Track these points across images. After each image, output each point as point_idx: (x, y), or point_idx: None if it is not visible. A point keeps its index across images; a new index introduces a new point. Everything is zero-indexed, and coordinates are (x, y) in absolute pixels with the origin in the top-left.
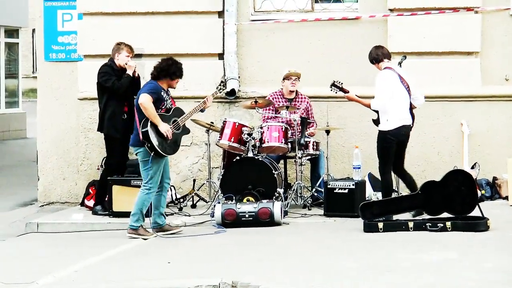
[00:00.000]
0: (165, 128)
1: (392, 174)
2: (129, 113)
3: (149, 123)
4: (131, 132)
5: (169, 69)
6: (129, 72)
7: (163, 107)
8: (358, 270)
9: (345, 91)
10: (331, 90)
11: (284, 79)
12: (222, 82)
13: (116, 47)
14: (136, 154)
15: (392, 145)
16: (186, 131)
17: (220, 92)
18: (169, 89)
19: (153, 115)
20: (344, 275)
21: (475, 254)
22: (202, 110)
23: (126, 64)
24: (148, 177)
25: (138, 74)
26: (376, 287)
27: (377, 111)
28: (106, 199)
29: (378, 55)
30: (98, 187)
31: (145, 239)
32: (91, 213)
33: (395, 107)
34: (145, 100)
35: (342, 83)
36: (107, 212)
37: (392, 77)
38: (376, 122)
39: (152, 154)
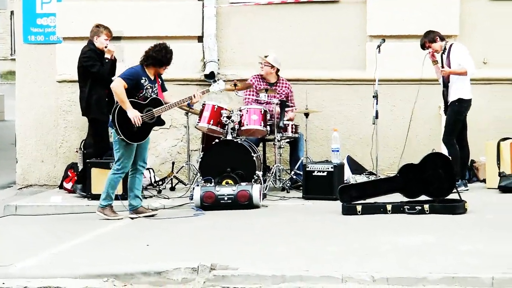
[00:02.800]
0: (133, 114)
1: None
2: (109, 96)
3: (117, 108)
4: None
5: (156, 57)
6: (108, 56)
7: (141, 95)
8: (337, 254)
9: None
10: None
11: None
12: (214, 80)
13: (95, 29)
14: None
15: (464, 115)
16: (160, 122)
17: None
18: (159, 75)
19: (122, 100)
20: (323, 258)
21: (452, 237)
22: (189, 105)
23: (105, 48)
24: (116, 158)
25: (115, 57)
26: (355, 270)
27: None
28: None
29: (440, 35)
30: (82, 169)
31: (109, 219)
32: (70, 194)
33: (469, 79)
34: (115, 85)
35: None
36: (85, 194)
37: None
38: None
39: (118, 137)
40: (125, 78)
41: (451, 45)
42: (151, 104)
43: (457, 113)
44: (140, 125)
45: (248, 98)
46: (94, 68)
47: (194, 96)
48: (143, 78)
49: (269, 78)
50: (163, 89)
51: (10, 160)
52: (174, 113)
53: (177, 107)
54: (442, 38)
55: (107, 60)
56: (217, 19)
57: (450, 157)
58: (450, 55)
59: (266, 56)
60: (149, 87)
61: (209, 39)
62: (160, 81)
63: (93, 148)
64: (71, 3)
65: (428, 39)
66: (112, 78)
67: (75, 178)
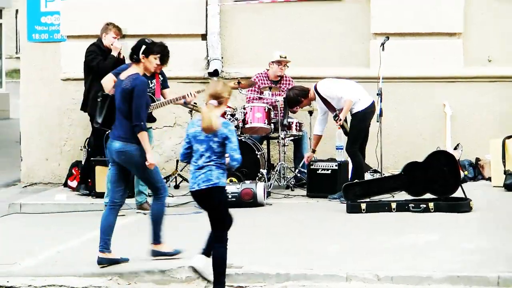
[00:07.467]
0: None
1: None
2: None
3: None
4: None
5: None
6: (114, 53)
7: None
8: (341, 252)
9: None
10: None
11: (273, 62)
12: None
13: (105, 27)
14: None
15: (369, 122)
16: (151, 119)
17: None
18: (161, 73)
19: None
20: (328, 257)
21: (456, 236)
22: (185, 103)
23: (111, 45)
24: None
25: (123, 56)
26: (359, 269)
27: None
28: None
29: (304, 91)
30: (84, 167)
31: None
32: (74, 192)
33: (358, 89)
34: (103, 80)
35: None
36: (88, 192)
37: (334, 79)
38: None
39: None
40: (114, 73)
41: (316, 92)
42: None
43: (360, 121)
44: None
45: (251, 96)
46: (93, 62)
47: (188, 95)
48: None
49: (276, 77)
50: (164, 86)
51: (15, 158)
52: (178, 111)
53: (181, 106)
54: (304, 94)
55: (110, 57)
56: (220, 17)
57: (454, 156)
58: (327, 99)
59: (285, 56)
60: None
61: (213, 37)
62: (162, 78)
63: (91, 146)
64: (75, 1)
65: (293, 105)
66: None
67: (79, 177)
